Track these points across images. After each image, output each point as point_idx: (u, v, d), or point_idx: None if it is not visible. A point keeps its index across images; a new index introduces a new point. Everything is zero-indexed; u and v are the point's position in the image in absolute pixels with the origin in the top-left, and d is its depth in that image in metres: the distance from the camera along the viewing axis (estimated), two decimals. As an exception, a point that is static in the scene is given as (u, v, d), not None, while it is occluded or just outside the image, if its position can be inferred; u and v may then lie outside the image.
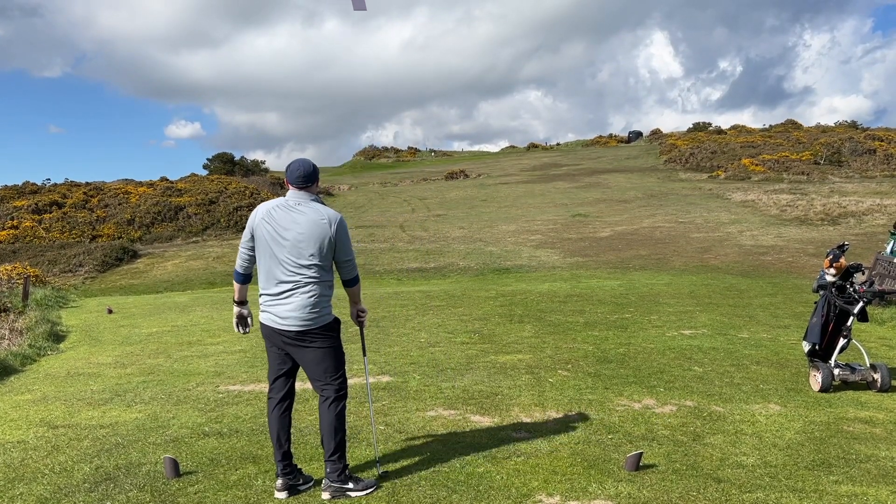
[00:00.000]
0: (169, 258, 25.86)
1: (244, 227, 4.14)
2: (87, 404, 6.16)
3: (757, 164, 39.35)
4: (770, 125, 69.09)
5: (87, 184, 40.88)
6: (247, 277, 4.21)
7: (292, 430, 4.26)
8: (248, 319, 4.33)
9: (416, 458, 4.55)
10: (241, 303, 4.28)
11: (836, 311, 6.55)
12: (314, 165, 4.09)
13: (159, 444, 4.95)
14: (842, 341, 6.54)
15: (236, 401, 6.10)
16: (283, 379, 4.15)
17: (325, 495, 4.01)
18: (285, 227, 3.95)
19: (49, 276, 21.86)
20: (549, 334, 9.05)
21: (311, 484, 4.16)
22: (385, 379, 6.75)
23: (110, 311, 12.82)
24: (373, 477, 4.23)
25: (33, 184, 41.99)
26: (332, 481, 4.02)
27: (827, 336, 6.60)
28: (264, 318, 4.07)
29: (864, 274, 7.29)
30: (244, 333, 4.39)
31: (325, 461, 4.05)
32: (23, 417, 5.80)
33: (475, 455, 4.60)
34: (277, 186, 41.10)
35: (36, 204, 33.47)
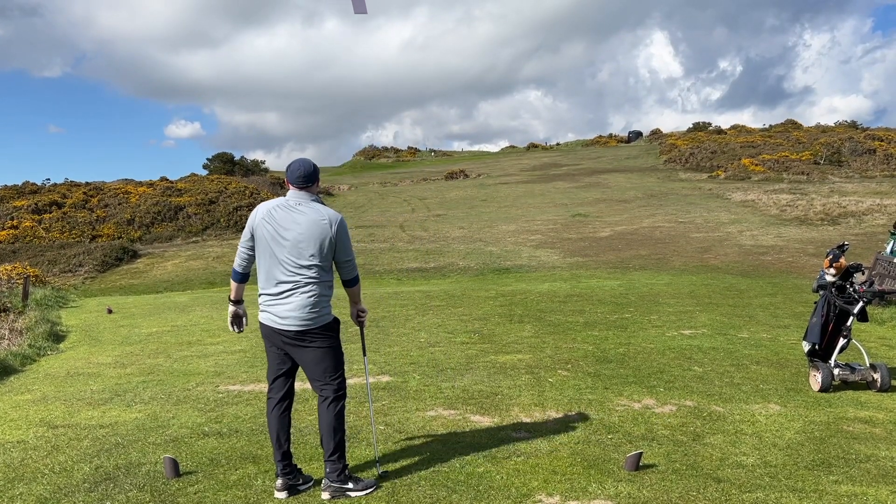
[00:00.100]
0: (169, 258, 25.86)
1: (244, 227, 4.14)
2: (87, 404, 6.16)
3: (757, 164, 39.35)
4: (770, 125, 69.08)
5: (87, 184, 40.88)
6: (245, 277, 4.21)
7: (292, 429, 4.26)
8: (244, 319, 4.33)
9: (416, 458, 4.55)
10: (237, 302, 4.28)
11: (836, 310, 6.55)
12: (315, 165, 4.08)
13: (159, 444, 4.95)
14: (842, 341, 6.54)
15: (236, 401, 6.10)
16: (282, 379, 4.15)
17: (325, 495, 4.01)
18: (286, 227, 3.95)
19: (49, 276, 21.85)
20: (548, 334, 9.05)
21: (310, 484, 4.16)
22: (385, 379, 6.75)
23: (110, 311, 12.81)
24: (373, 477, 4.23)
25: (33, 184, 42.00)
26: (331, 481, 4.02)
27: (827, 336, 6.60)
28: (264, 317, 4.07)
29: (863, 274, 7.29)
30: (239, 332, 4.39)
31: (325, 461, 4.05)
32: (23, 417, 5.80)
33: (475, 455, 4.60)
34: (277, 186, 41.10)
35: (36, 204, 33.46)
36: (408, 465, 4.44)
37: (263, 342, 4.19)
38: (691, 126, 74.18)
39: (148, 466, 4.51)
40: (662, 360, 7.49)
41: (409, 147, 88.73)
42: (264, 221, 4.01)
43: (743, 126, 70.51)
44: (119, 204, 34.18)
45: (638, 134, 76.14)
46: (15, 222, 31.40)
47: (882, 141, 41.09)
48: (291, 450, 4.16)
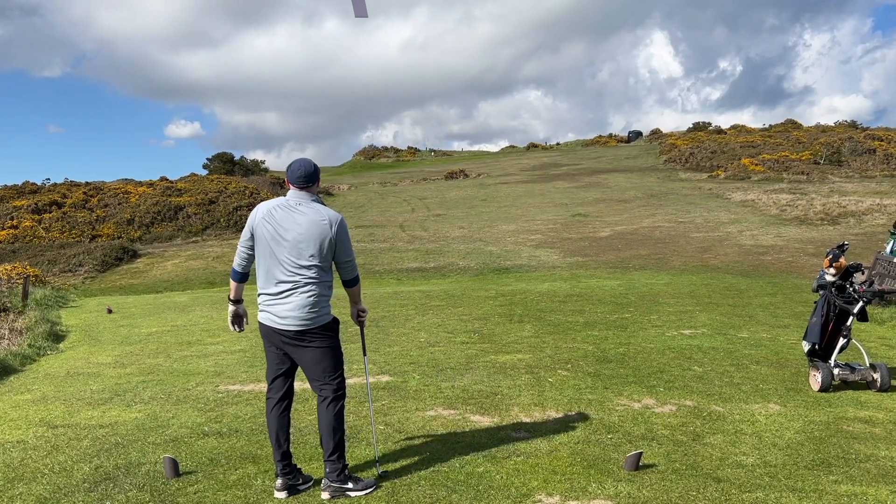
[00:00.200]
0: (169, 258, 25.85)
1: (244, 227, 4.14)
2: (87, 404, 6.16)
3: (757, 164, 39.35)
4: (770, 125, 69.05)
5: (87, 183, 40.87)
6: (244, 276, 4.21)
7: (291, 429, 4.26)
8: (244, 318, 4.33)
9: (416, 458, 4.55)
10: (237, 301, 4.28)
11: (836, 310, 6.55)
12: (315, 165, 4.08)
13: (159, 444, 4.95)
14: (841, 341, 6.54)
15: (236, 400, 6.10)
16: (281, 379, 4.15)
17: (325, 495, 4.01)
18: (286, 227, 3.95)
19: (49, 276, 21.85)
20: (548, 334, 9.05)
21: (310, 484, 4.16)
22: (385, 378, 6.75)
23: (110, 311, 12.81)
24: (372, 477, 4.23)
25: (33, 183, 41.98)
26: (331, 481, 4.02)
27: (827, 336, 6.60)
28: (263, 317, 4.07)
29: (863, 274, 7.29)
30: (239, 332, 4.39)
31: (325, 461, 4.05)
32: (22, 417, 5.80)
33: (475, 455, 4.60)
34: (277, 186, 41.09)
35: (35, 204, 33.45)
36: (407, 465, 4.44)
37: (262, 342, 4.19)
38: (691, 126, 74.18)
39: (148, 466, 4.51)
40: (662, 359, 7.49)
41: (409, 147, 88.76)
42: (264, 221, 4.01)
43: (743, 126, 70.50)
44: (119, 204, 34.18)
45: (638, 134, 76.12)
46: (15, 222, 31.40)
47: (882, 141, 41.09)
48: (291, 450, 4.16)
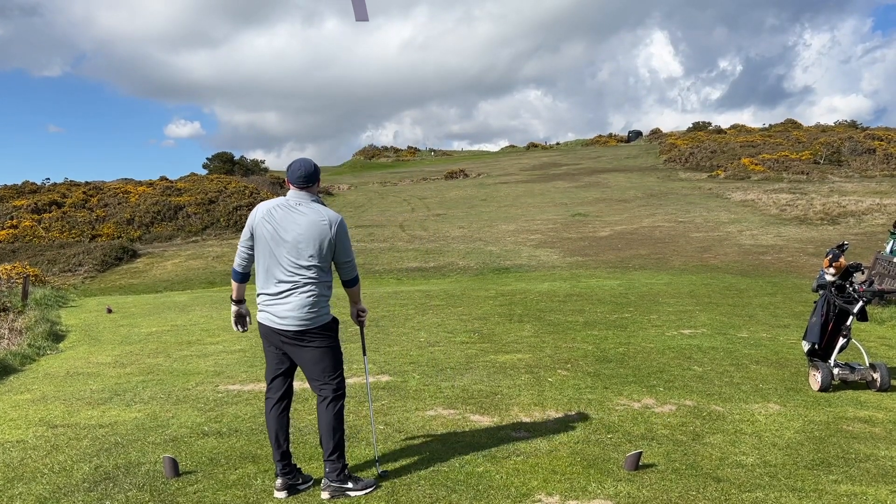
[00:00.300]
0: (168, 258, 25.85)
1: (244, 227, 4.14)
2: (87, 404, 6.16)
3: (756, 164, 39.36)
4: (770, 125, 69.07)
5: (87, 183, 40.86)
6: (245, 276, 4.21)
7: (291, 429, 4.26)
8: (247, 318, 4.33)
9: (416, 458, 4.55)
10: (240, 301, 4.28)
11: (836, 310, 6.55)
12: (315, 165, 4.08)
13: (158, 444, 4.95)
14: (841, 341, 6.54)
15: (236, 400, 6.10)
16: (280, 378, 4.15)
17: (325, 495, 4.00)
18: (285, 227, 3.95)
19: (48, 276, 21.85)
20: (548, 334, 9.05)
21: (310, 483, 4.16)
22: (384, 378, 6.75)
23: (110, 311, 12.81)
24: (372, 476, 4.23)
25: (33, 183, 42.00)
26: (331, 481, 4.01)
27: (826, 335, 6.60)
28: (262, 317, 4.07)
29: (863, 273, 7.29)
30: (243, 332, 4.39)
31: (324, 461, 4.05)
32: (22, 417, 5.80)
33: (474, 454, 4.60)
34: (277, 186, 41.08)
35: (35, 203, 33.44)
36: (407, 465, 4.44)
37: (262, 342, 4.19)
38: (691, 126, 74.20)
39: (147, 466, 4.51)
40: (662, 359, 7.49)
41: (408, 147, 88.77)
42: (264, 221, 4.01)
43: (743, 126, 70.51)
44: (119, 203, 34.17)
45: (638, 133, 76.11)
46: (14, 222, 31.39)
47: (882, 140, 41.09)
48: (291, 449, 4.16)
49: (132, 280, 22.46)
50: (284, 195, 4.11)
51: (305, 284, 3.95)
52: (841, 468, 4.47)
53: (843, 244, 6.75)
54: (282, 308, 3.97)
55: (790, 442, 4.94)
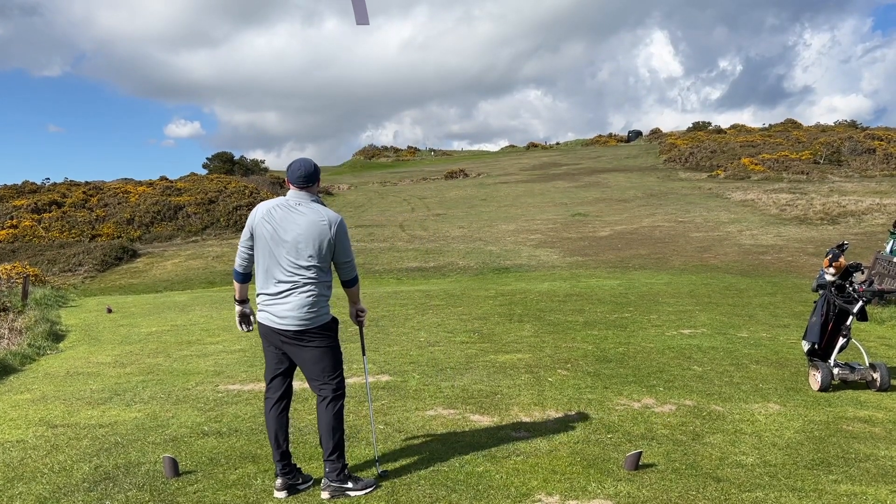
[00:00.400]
0: (168, 257, 25.85)
1: (244, 227, 4.14)
2: (87, 404, 6.16)
3: (756, 164, 39.36)
4: (770, 124, 69.07)
5: (87, 183, 40.86)
6: (246, 276, 4.21)
7: (291, 429, 4.26)
8: (251, 318, 4.33)
9: (416, 458, 4.55)
10: (243, 301, 4.28)
11: (836, 310, 6.55)
12: (315, 165, 4.08)
13: (158, 444, 4.95)
14: (841, 340, 6.54)
15: (235, 400, 6.10)
16: (280, 378, 4.15)
17: (325, 495, 4.00)
18: (285, 227, 3.95)
19: (48, 276, 21.85)
20: (548, 334, 9.05)
21: (310, 483, 4.16)
22: (384, 378, 6.75)
23: (109, 311, 12.81)
24: (372, 476, 4.23)
25: (33, 183, 42.00)
26: (331, 481, 4.01)
27: (826, 335, 6.60)
28: (262, 317, 4.07)
29: (863, 273, 7.29)
30: (247, 331, 4.39)
31: (324, 461, 4.05)
32: (22, 417, 5.80)
33: (474, 454, 4.60)
34: (277, 186, 41.08)
35: (35, 203, 33.44)
36: (407, 465, 4.44)
37: (261, 341, 4.20)
38: (691, 125, 74.23)
39: (147, 466, 4.51)
40: (662, 359, 7.49)
41: (408, 146, 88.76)
42: (264, 221, 4.01)
43: (743, 125, 70.52)
44: (119, 203, 34.17)
45: (638, 133, 76.10)
46: (14, 222, 31.38)
47: (882, 140, 41.10)
48: (290, 449, 4.16)
49: (132, 280, 22.46)
50: (284, 195, 4.11)
51: (305, 284, 3.95)
52: (841, 468, 4.47)
53: (842, 244, 6.75)
54: (281, 308, 3.97)
55: (790, 442, 4.94)
